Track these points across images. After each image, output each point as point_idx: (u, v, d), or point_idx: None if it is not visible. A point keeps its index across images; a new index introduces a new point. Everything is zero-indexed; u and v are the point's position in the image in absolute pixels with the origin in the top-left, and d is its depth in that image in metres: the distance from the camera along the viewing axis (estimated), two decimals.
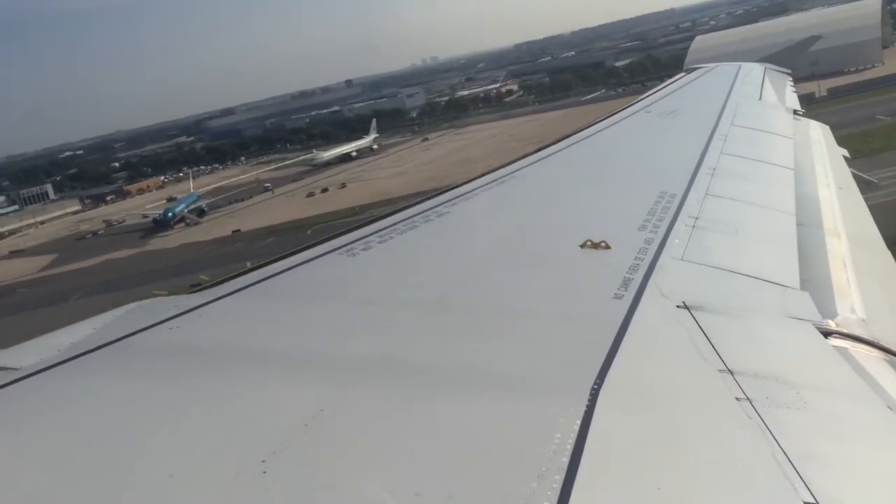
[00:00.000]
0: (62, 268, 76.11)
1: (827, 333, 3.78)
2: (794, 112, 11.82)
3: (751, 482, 2.37)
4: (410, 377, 3.00)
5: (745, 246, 5.18)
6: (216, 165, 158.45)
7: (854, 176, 8.60)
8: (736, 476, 2.40)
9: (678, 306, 3.75)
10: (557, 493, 2.15)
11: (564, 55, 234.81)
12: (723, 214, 5.66)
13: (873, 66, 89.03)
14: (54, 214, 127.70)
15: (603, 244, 4.58)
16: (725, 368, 3.09)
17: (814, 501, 2.23)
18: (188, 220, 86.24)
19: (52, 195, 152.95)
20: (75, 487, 2.30)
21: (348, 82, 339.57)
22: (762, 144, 8.84)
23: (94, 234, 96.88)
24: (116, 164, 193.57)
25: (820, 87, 77.49)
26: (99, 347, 3.35)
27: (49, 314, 48.30)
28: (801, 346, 3.66)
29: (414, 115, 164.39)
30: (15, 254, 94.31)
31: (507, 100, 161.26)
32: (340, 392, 2.83)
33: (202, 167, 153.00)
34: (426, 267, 4.57)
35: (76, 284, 62.99)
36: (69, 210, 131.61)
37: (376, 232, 5.16)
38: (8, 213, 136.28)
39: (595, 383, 2.80)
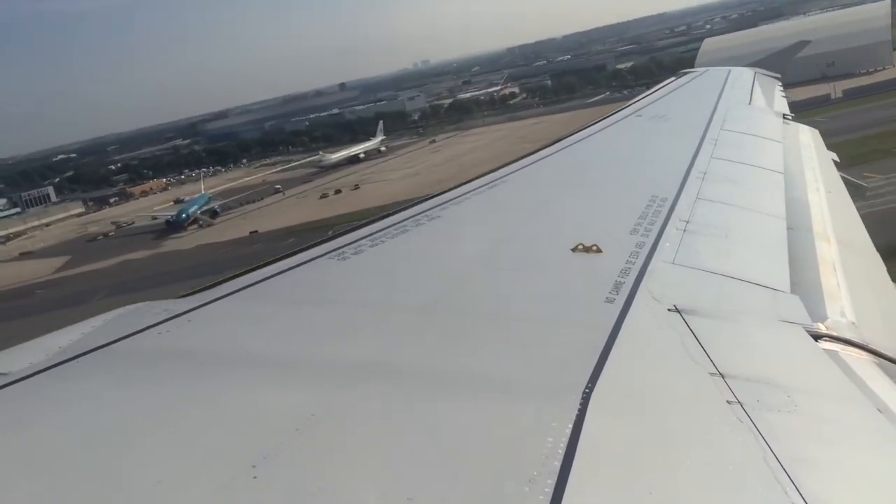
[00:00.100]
0: (78, 269, 75.32)
1: (817, 337, 3.78)
2: (784, 116, 11.84)
3: (742, 486, 2.37)
4: (401, 381, 2.96)
5: (736, 250, 5.18)
6: (218, 168, 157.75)
7: (843, 179, 8.67)
8: (727, 479, 2.40)
9: (669, 310, 3.75)
10: (549, 497, 2.13)
11: (560, 59, 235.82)
12: (713, 218, 5.66)
13: (884, 69, 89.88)
14: (58, 217, 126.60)
15: (594, 248, 4.57)
16: (716, 372, 3.08)
17: None
18: (201, 222, 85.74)
19: (53, 198, 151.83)
20: (59, 495, 2.24)
21: (342, 86, 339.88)
22: (752, 149, 8.84)
23: (105, 235, 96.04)
24: (113, 167, 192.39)
25: (835, 89, 78.51)
26: (88, 352, 3.27)
27: (72, 315, 47.51)
28: (791, 350, 3.66)
29: (416, 117, 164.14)
30: (25, 255, 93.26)
31: (510, 102, 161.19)
32: (331, 396, 2.80)
33: (204, 169, 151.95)
34: (417, 271, 4.53)
35: (96, 285, 62.30)
36: (72, 212, 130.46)
37: (368, 236, 5.10)
38: (10, 215, 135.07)
39: (587, 387, 2.78)
